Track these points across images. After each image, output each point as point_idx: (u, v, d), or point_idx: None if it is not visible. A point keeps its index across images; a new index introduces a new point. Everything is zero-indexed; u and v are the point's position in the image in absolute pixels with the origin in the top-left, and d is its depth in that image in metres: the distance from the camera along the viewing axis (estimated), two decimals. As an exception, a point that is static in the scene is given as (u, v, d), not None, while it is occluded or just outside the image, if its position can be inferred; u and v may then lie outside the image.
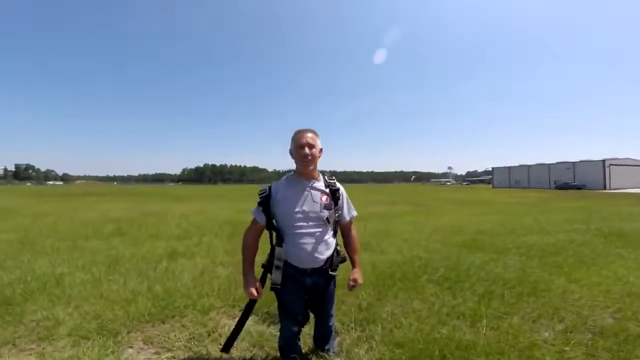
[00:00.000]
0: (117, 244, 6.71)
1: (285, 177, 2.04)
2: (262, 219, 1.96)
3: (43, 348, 2.62)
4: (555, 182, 61.32)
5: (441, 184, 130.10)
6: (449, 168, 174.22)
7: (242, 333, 2.79)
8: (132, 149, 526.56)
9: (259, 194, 1.95)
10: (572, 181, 58.13)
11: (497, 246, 6.37)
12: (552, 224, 9.56)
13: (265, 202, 1.92)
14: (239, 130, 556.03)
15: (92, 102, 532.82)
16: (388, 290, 3.75)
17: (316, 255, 1.91)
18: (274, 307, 3.19)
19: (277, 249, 1.93)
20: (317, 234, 1.92)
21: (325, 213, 1.94)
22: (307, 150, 1.89)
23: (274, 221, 1.96)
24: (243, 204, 18.45)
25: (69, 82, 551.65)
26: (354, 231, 2.19)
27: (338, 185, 2.06)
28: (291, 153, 1.97)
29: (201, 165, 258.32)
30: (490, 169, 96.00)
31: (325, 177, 2.05)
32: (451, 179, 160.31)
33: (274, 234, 1.98)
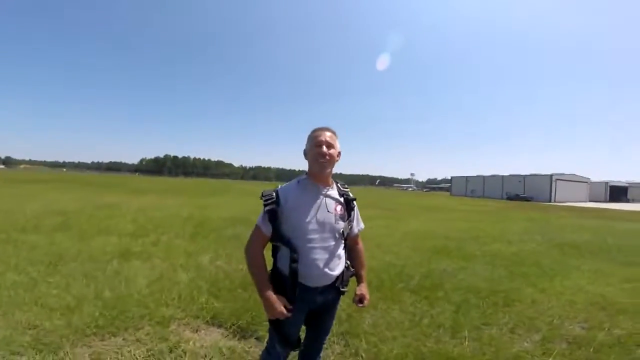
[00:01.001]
0: (60, 239, 5.93)
1: (297, 179, 1.76)
2: (267, 229, 1.64)
3: (-41, 368, 2.13)
4: (507, 193, 65.73)
5: (403, 189, 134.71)
6: (412, 174, 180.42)
7: (211, 350, 2.49)
8: (85, 134, 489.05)
9: (264, 199, 1.64)
10: (522, 193, 62.60)
11: (465, 253, 6.50)
12: (511, 233, 10.06)
13: (274, 210, 1.63)
14: (203, 123, 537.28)
15: (41, 82, 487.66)
16: (367, 300, 3.58)
17: (328, 271, 1.66)
18: (244, 320, 2.91)
19: (282, 265, 1.66)
20: (331, 247, 1.67)
21: (341, 225, 1.71)
22: (325, 149, 1.65)
23: (281, 231, 1.65)
24: (207, 200, 17.62)
25: (17, 60, 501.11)
26: (360, 244, 1.97)
27: (352, 195, 1.83)
28: (305, 154, 1.73)
29: (161, 156, 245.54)
30: (450, 178, 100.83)
31: (339, 184, 1.82)
32: (413, 185, 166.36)
33: (280, 246, 1.67)
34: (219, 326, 2.89)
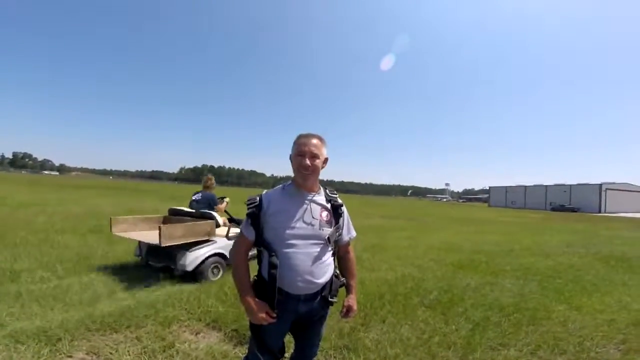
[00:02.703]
0: (92, 240, 6.32)
1: (281, 185, 1.72)
2: (250, 234, 1.61)
3: (-32, 354, 2.27)
4: (551, 203, 61.48)
5: (437, 200, 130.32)
6: (447, 184, 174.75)
7: (203, 352, 2.46)
8: (130, 144, 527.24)
9: (248, 204, 1.62)
10: (567, 203, 58.27)
11: (494, 268, 6.05)
12: (550, 246, 9.29)
13: (255, 214, 1.60)
14: (239, 134, 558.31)
15: (93, 97, 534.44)
16: (375, 314, 3.41)
17: (311, 279, 1.58)
18: (242, 325, 2.86)
19: (264, 271, 1.61)
20: (314, 254, 1.59)
21: (326, 231, 1.63)
22: (308, 161, 1.58)
23: (263, 237, 1.61)
24: (236, 208, 18.03)
25: (73, 75, 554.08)
26: (351, 253, 1.87)
27: (340, 201, 1.75)
28: (291, 159, 1.66)
29: (199, 165, 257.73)
30: (487, 188, 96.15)
31: (327, 190, 1.75)
32: (448, 196, 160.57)
33: (263, 251, 1.62)
34: (219, 330, 2.88)
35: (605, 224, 21.86)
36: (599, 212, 52.98)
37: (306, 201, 1.63)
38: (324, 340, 2.66)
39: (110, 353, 2.38)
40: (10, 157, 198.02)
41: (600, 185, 57.37)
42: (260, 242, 1.60)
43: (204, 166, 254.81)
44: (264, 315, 1.51)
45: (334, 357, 2.53)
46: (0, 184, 26.51)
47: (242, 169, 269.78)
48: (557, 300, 4.17)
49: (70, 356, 2.33)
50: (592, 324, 3.42)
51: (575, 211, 51.58)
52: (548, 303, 4.06)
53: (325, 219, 1.65)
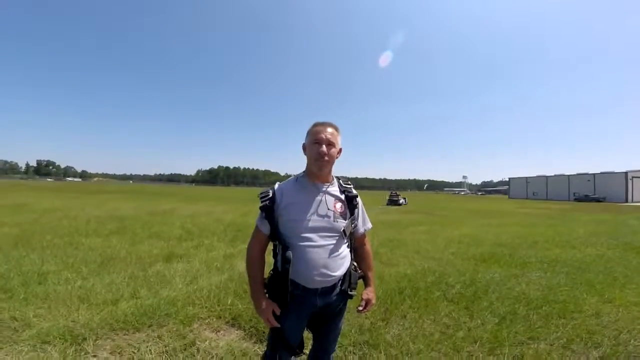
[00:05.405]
0: (115, 242, 6.47)
1: (294, 177, 1.69)
2: (266, 228, 1.59)
3: (-4, 353, 2.34)
4: (574, 194, 59.35)
5: (455, 194, 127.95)
6: (464, 177, 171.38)
7: (223, 350, 2.46)
8: (150, 149, 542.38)
9: (261, 198, 1.59)
10: (592, 193, 56.08)
11: (518, 260, 5.85)
12: (576, 237, 8.92)
13: (269, 207, 1.57)
14: (253, 134, 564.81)
15: (113, 104, 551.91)
16: (396, 309, 3.33)
17: (328, 272, 1.54)
18: (262, 323, 2.82)
19: (279, 265, 1.58)
20: (330, 247, 1.56)
21: (341, 223, 1.59)
22: (324, 148, 1.54)
23: (278, 230, 1.58)
24: (250, 207, 18.22)
25: (92, 83, 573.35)
26: (368, 245, 1.82)
27: (355, 191, 1.71)
28: (304, 149, 1.63)
29: (215, 167, 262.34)
30: (507, 180, 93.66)
31: (341, 181, 1.71)
32: (465, 189, 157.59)
33: (278, 245, 1.59)
34: (239, 327, 2.88)
35: (633, 213, 20.89)
36: (626, 201, 50.79)
37: (320, 193, 1.60)
38: (343, 336, 2.63)
39: (134, 352, 2.40)
40: (35, 165, 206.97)
41: (626, 173, 54.92)
42: (276, 235, 1.57)
43: (219, 168, 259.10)
44: (269, 317, 1.51)
45: (354, 353, 2.48)
46: (26, 192, 27.75)
47: (257, 169, 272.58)
48: (588, 293, 3.98)
49: (95, 355, 2.37)
50: (627, 317, 3.25)
51: (601, 201, 49.57)
52: (578, 295, 3.88)
53: (339, 210, 1.61)
